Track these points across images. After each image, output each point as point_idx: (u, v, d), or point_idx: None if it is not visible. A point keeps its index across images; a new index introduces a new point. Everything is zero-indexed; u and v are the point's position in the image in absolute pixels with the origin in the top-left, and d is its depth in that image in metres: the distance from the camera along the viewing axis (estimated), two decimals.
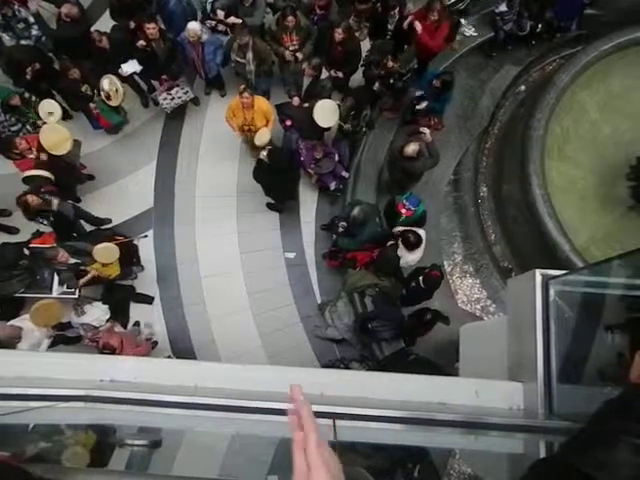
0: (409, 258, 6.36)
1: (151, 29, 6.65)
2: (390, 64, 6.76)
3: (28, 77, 6.78)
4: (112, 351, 5.88)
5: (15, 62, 6.78)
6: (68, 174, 7.04)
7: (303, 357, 7.31)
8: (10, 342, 5.54)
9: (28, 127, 6.99)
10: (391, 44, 7.33)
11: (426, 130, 6.51)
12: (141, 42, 6.80)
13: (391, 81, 6.92)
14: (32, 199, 6.20)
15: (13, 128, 6.96)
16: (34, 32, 7.21)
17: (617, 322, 2.57)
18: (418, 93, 6.90)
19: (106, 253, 6.25)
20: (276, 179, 6.81)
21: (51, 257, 6.24)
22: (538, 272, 2.79)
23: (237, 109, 6.77)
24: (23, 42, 7.19)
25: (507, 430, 2.52)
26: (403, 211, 6.43)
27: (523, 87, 8.69)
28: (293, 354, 7.31)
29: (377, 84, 6.99)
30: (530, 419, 2.60)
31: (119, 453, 1.78)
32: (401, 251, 6.33)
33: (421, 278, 6.19)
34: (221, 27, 7.39)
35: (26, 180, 6.53)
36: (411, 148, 6.39)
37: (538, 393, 2.65)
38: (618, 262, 2.46)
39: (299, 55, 7.05)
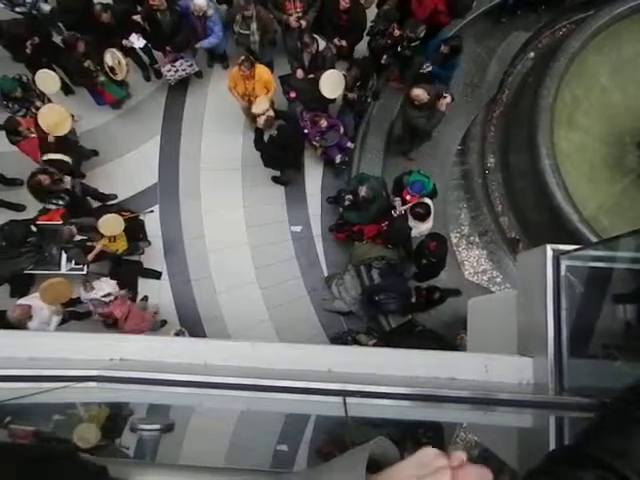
0: (422, 228, 6.37)
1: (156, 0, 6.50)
2: (397, 32, 6.59)
3: (28, 52, 6.67)
4: (114, 321, 5.93)
5: (13, 36, 6.65)
6: (75, 152, 7.00)
7: (310, 330, 7.37)
8: (20, 321, 5.61)
9: (33, 110, 6.88)
10: (396, 12, 7.14)
11: (449, 96, 6.32)
12: (137, 17, 6.71)
13: (399, 49, 6.77)
14: (44, 178, 6.17)
15: (19, 114, 6.88)
16: None
17: (629, 297, 2.54)
18: (426, 64, 6.73)
19: (110, 224, 6.25)
20: (279, 152, 6.75)
21: (68, 238, 6.22)
22: (549, 247, 2.74)
23: (238, 79, 6.72)
24: (18, 9, 7.02)
25: (517, 405, 2.52)
26: (408, 197, 6.39)
27: (532, 54, 8.47)
28: (300, 327, 7.36)
29: (385, 57, 6.84)
30: (540, 394, 2.59)
31: (132, 436, 1.79)
32: (413, 222, 6.32)
33: (427, 252, 6.18)
34: None
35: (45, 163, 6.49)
36: (416, 92, 6.25)
37: (548, 368, 2.63)
38: (631, 237, 2.41)
39: (302, 22, 6.88)
